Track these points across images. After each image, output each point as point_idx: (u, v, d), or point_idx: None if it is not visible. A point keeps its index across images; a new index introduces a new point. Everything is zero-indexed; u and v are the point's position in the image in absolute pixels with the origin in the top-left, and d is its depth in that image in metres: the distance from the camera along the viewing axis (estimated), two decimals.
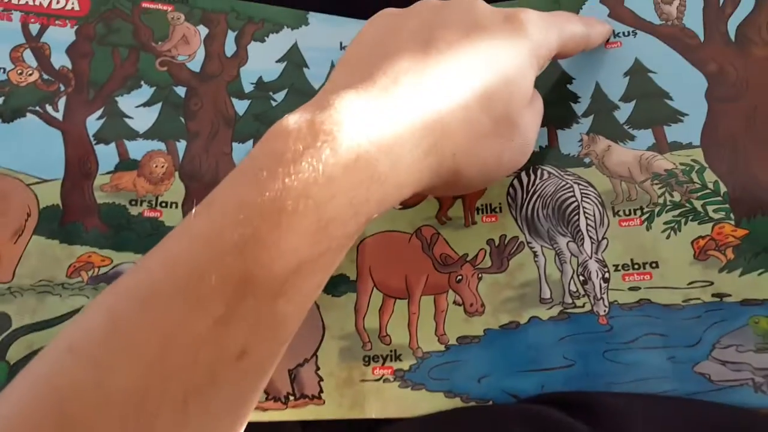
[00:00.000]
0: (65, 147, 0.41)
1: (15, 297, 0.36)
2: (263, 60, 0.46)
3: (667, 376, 0.37)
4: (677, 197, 0.41)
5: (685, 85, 0.43)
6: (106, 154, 0.41)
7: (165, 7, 0.46)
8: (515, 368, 0.38)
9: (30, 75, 0.42)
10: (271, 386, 0.37)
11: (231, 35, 0.46)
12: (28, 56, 0.42)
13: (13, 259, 0.37)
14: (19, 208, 0.38)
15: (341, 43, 0.48)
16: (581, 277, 0.40)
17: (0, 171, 0.39)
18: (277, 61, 0.46)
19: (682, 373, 0.37)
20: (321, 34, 0.48)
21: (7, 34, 0.43)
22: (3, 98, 0.41)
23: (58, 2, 0.44)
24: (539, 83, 0.45)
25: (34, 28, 0.43)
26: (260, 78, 0.46)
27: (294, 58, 0.47)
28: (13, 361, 0.35)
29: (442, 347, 0.39)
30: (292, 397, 0.37)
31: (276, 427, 0.37)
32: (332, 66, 0.47)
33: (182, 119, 0.43)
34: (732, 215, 0.39)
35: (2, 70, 0.42)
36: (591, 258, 0.40)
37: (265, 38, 0.47)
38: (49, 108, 0.41)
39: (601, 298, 0.39)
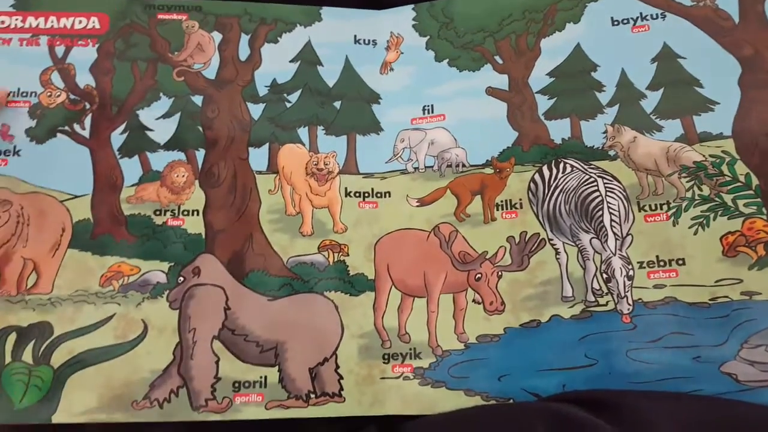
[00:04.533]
0: (93, 163, 0.47)
1: (55, 307, 0.43)
2: (277, 61, 0.50)
3: (693, 376, 0.39)
4: (706, 191, 0.43)
5: (716, 71, 0.44)
6: (131, 167, 0.47)
7: (179, 16, 0.51)
8: (536, 367, 0.41)
9: (58, 96, 0.48)
10: (292, 385, 0.42)
11: (245, 39, 0.51)
12: (56, 78, 0.48)
13: (52, 272, 0.44)
14: (55, 224, 0.45)
15: (355, 37, 0.51)
16: (605, 275, 0.43)
17: (36, 190, 0.46)
18: (290, 61, 0.51)
19: (708, 373, 0.39)
20: (334, 29, 0.51)
21: (36, 58, 0.49)
22: (36, 121, 0.47)
23: (80, 22, 0.50)
24: (563, 71, 0.47)
25: (60, 50, 0.49)
26: (274, 80, 0.50)
27: (307, 57, 0.51)
28: (56, 366, 0.41)
29: (461, 346, 0.43)
30: (313, 396, 0.42)
31: (299, 423, 0.42)
32: (346, 61, 0.51)
33: (200, 128, 0.48)
34: (764, 210, 0.41)
35: (34, 94, 0.48)
36: (615, 255, 0.43)
37: (278, 38, 0.51)
38: (76, 127, 0.47)
39: (625, 296, 0.42)
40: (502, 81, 0.49)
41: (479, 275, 0.44)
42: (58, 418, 0.40)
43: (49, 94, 0.48)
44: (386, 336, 0.44)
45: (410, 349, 0.43)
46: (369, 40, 0.51)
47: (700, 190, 0.42)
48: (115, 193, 0.46)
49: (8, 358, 0.41)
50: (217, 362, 0.42)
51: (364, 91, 0.50)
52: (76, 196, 0.46)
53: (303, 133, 0.48)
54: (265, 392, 0.41)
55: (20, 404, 0.40)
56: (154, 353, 0.42)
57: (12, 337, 0.42)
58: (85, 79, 0.48)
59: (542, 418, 0.38)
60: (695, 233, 0.42)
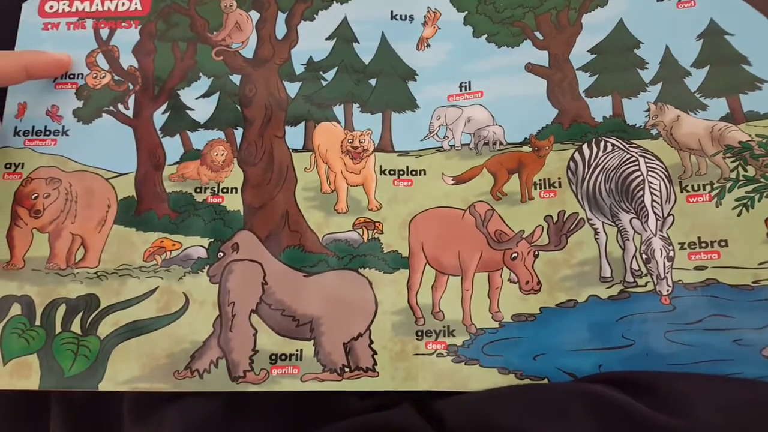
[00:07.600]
0: (136, 142, 0.50)
1: (102, 280, 0.47)
2: (313, 39, 0.53)
3: (733, 358, 0.40)
4: (751, 171, 0.43)
5: (765, 48, 0.45)
6: (172, 146, 0.50)
7: None
8: (572, 347, 0.43)
9: (103, 78, 0.52)
10: (327, 359, 0.45)
11: (281, 17, 0.53)
12: (101, 60, 0.52)
13: (99, 246, 0.47)
14: (101, 201, 0.48)
15: (392, 12, 0.53)
16: (644, 256, 0.44)
17: (83, 168, 0.49)
18: (326, 39, 0.53)
19: (749, 356, 0.40)
20: (370, 5, 0.53)
21: (83, 41, 0.53)
22: (83, 102, 0.51)
23: (123, 4, 0.53)
24: (605, 48, 0.48)
25: (104, 32, 0.53)
26: (310, 58, 0.52)
27: (343, 34, 0.53)
28: (103, 336, 0.45)
29: (496, 324, 0.45)
30: (347, 369, 0.45)
31: (333, 396, 0.44)
32: (383, 37, 0.52)
33: (238, 107, 0.51)
34: None
35: (80, 76, 0.52)
36: (655, 235, 0.44)
37: (315, 16, 0.53)
38: (120, 107, 0.51)
39: (665, 277, 0.43)
40: (542, 57, 0.50)
41: (515, 254, 0.46)
42: (104, 386, 0.44)
43: (94, 75, 0.52)
44: (420, 313, 0.46)
45: (444, 327, 0.45)
46: (406, 16, 0.52)
47: (745, 170, 0.43)
48: (157, 171, 0.49)
49: (58, 329, 0.45)
50: (254, 335, 0.45)
51: (400, 67, 0.51)
52: (121, 174, 0.49)
53: (338, 110, 0.50)
54: (301, 365, 0.44)
55: (69, 372, 0.44)
56: (195, 325, 0.45)
57: (62, 309, 0.45)
58: (128, 60, 0.52)
59: (579, 400, 0.39)
60: (739, 215, 0.42)
